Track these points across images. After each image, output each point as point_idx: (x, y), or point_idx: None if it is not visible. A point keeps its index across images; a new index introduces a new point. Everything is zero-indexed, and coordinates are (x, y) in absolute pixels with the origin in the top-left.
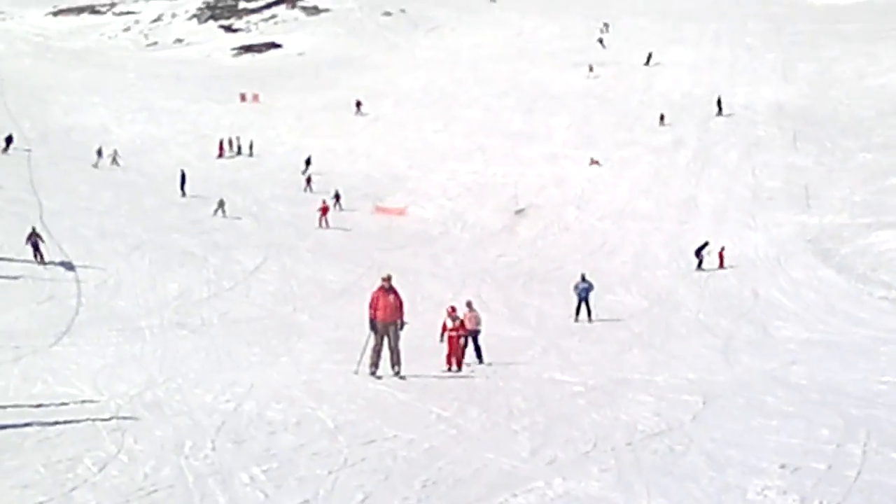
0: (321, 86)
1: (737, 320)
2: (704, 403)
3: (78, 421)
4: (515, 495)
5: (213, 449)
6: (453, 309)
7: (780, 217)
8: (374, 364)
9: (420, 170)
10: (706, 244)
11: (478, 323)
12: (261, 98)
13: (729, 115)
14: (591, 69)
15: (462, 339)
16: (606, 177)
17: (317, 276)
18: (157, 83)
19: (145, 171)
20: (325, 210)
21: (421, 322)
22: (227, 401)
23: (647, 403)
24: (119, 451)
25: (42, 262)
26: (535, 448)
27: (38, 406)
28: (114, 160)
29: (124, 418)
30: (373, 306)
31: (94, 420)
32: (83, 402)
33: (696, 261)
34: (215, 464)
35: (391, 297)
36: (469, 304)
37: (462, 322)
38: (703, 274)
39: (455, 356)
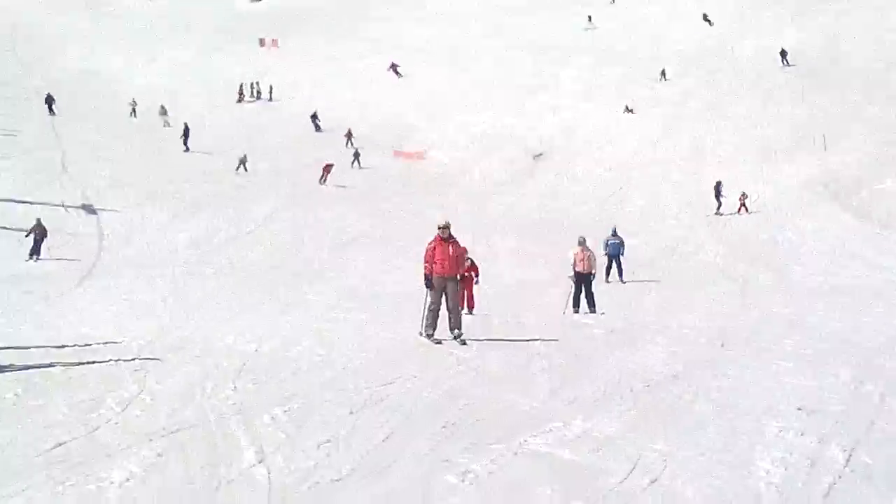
0: (338, 35)
1: (754, 265)
2: (722, 346)
3: (100, 362)
4: (535, 435)
5: (235, 390)
6: (464, 250)
7: (793, 166)
8: (432, 325)
9: (433, 120)
10: (719, 183)
11: (591, 265)
12: (279, 44)
13: (786, 66)
14: (589, 19)
15: (472, 280)
16: (616, 127)
17: (333, 221)
18: (173, 29)
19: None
20: (327, 168)
21: None
22: (248, 343)
23: (666, 346)
24: (141, 392)
25: (37, 256)
26: (553, 389)
27: (62, 347)
28: (164, 116)
29: (146, 359)
30: (428, 259)
31: (116, 361)
32: (105, 343)
33: (715, 203)
34: (237, 404)
35: (450, 248)
36: (582, 243)
37: (472, 262)
38: (721, 219)
39: (467, 297)
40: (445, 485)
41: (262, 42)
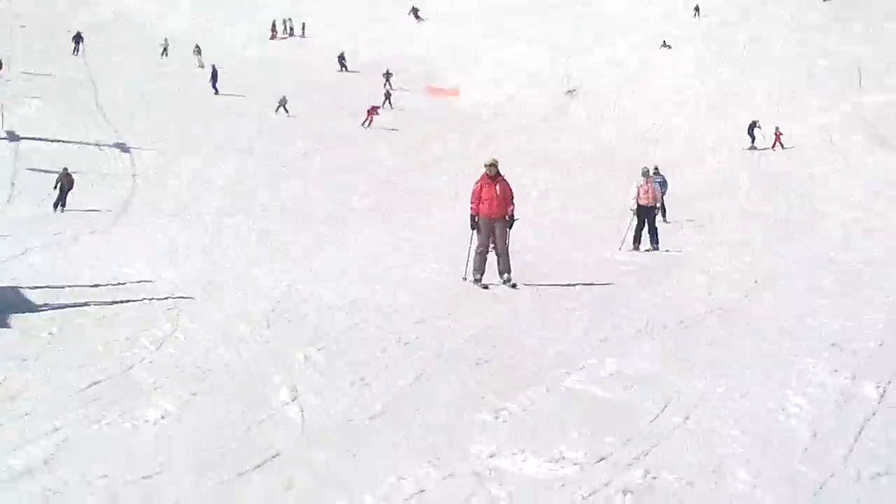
0: None
1: (789, 202)
2: (756, 283)
3: (134, 301)
4: (568, 373)
5: (268, 328)
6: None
7: (833, 100)
8: (480, 270)
9: (469, 54)
10: (755, 122)
11: (656, 198)
12: None
13: None
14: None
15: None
16: (656, 61)
17: (369, 160)
18: None
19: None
20: (372, 111)
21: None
22: (282, 282)
23: (699, 284)
24: (175, 331)
25: (62, 208)
26: (586, 327)
27: (96, 286)
28: (198, 56)
29: (179, 299)
30: (475, 199)
31: (150, 300)
32: (139, 283)
33: (748, 140)
34: (270, 343)
35: (497, 187)
36: (646, 174)
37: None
38: (756, 154)
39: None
40: (479, 422)
41: None
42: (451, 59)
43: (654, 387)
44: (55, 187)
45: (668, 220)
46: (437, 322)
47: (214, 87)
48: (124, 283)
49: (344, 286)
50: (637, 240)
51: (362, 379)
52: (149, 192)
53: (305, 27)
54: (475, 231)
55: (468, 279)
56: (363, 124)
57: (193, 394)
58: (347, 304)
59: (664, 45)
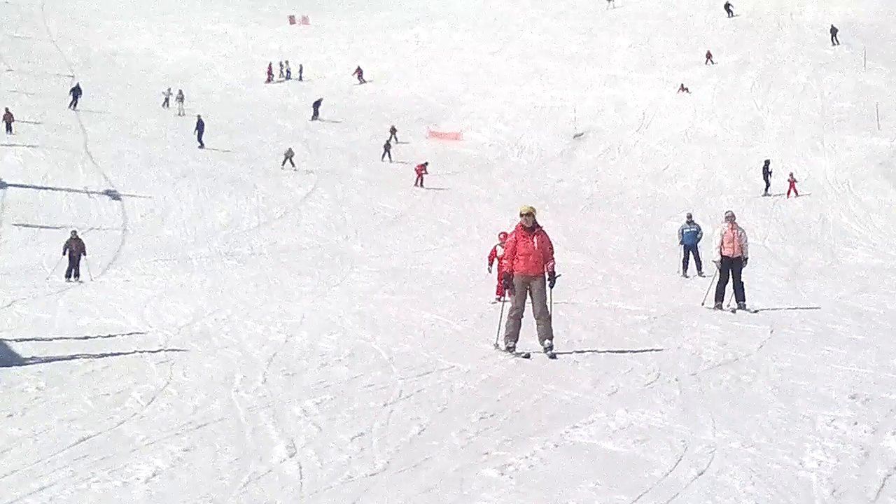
0: (372, 6)
1: (805, 247)
2: (772, 332)
3: (125, 353)
4: (576, 426)
5: (265, 381)
6: (505, 235)
7: (850, 139)
8: (514, 336)
9: (475, 93)
10: (768, 163)
11: (741, 248)
12: (310, 20)
13: (836, 44)
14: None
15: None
16: (668, 99)
17: (370, 204)
18: (202, 5)
19: (191, 96)
20: (420, 169)
21: (476, 250)
22: (279, 332)
23: (712, 332)
24: (167, 384)
25: (76, 278)
26: (596, 378)
27: (85, 338)
28: (180, 102)
29: (172, 350)
30: (509, 254)
31: (141, 352)
32: (130, 334)
33: (763, 184)
34: (267, 396)
35: (535, 240)
36: (730, 218)
37: None
38: (770, 199)
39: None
40: (484, 479)
41: (291, 19)
42: (456, 100)
43: (667, 440)
44: (63, 254)
45: (704, 275)
46: (441, 372)
47: (200, 140)
48: (114, 335)
49: (342, 334)
50: (720, 296)
51: (363, 434)
52: (139, 239)
53: (303, 70)
54: (508, 290)
55: (500, 346)
56: (416, 184)
57: (186, 450)
58: (347, 354)
59: (682, 88)
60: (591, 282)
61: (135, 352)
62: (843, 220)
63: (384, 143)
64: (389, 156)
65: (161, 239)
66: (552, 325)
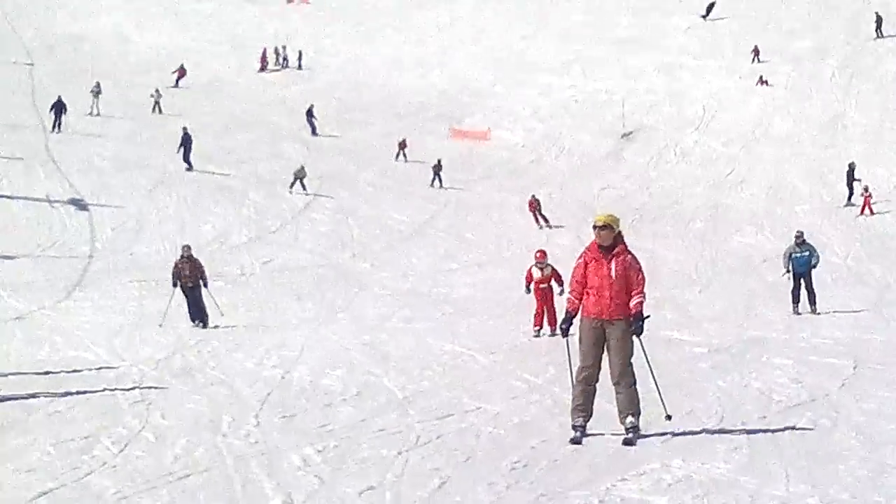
0: None
1: (894, 266)
2: (855, 368)
3: (94, 392)
4: (625, 479)
5: (258, 425)
6: (542, 254)
7: None
8: (584, 410)
9: (506, 84)
10: (853, 167)
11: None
12: None
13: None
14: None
15: (552, 292)
16: (734, 91)
17: (380, 216)
18: None
19: (172, 87)
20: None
21: (508, 271)
22: (274, 367)
23: (785, 368)
24: (143, 428)
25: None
26: (648, 422)
27: (47, 374)
28: (155, 97)
29: (149, 388)
30: (577, 285)
31: (112, 390)
32: (100, 368)
33: (846, 192)
34: (260, 443)
35: (614, 265)
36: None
37: (554, 270)
38: (854, 210)
39: (547, 313)
40: None
41: None
42: (483, 92)
43: (732, 495)
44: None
45: (818, 312)
46: (465, 415)
47: (187, 159)
48: (81, 370)
49: (349, 369)
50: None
51: (373, 487)
52: (110, 257)
53: (302, 56)
54: (568, 338)
55: (571, 426)
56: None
57: None
58: (354, 394)
59: (761, 81)
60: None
61: (105, 390)
62: None
63: (398, 141)
64: (404, 156)
65: (135, 257)
66: (639, 393)
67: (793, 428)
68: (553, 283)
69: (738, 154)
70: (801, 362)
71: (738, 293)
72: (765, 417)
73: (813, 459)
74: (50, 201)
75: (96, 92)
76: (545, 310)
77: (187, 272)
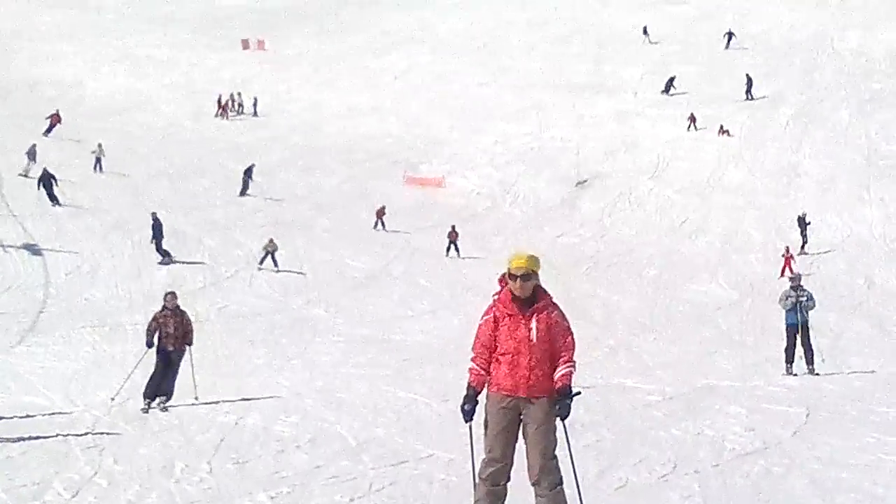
0: (341, 29)
1: (848, 314)
2: (808, 416)
3: (46, 437)
4: None
5: (210, 471)
6: (504, 282)
7: None
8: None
9: (462, 131)
10: (804, 216)
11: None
12: (267, 45)
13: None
14: (645, 32)
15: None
16: (688, 140)
17: (335, 262)
18: (142, 26)
19: (128, 133)
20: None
21: (462, 317)
22: (227, 413)
23: (738, 416)
24: (95, 474)
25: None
26: (601, 470)
27: None
28: (97, 162)
29: (102, 434)
30: (481, 353)
31: (65, 436)
32: (52, 413)
33: (800, 240)
34: (212, 489)
35: (531, 326)
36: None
37: None
38: (808, 258)
39: None
40: None
41: (245, 44)
42: (439, 139)
43: None
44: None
45: (816, 372)
46: (418, 462)
47: (160, 249)
48: (34, 415)
49: (303, 416)
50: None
51: None
52: (64, 302)
53: (257, 103)
54: (470, 420)
55: None
56: (375, 227)
57: None
58: (307, 440)
59: (722, 131)
60: (595, 355)
61: (57, 435)
62: (892, 282)
63: (377, 210)
64: (383, 224)
65: (90, 302)
66: (566, 497)
67: (746, 476)
68: None
69: (692, 202)
70: (755, 410)
71: (693, 341)
72: (717, 465)
73: None
74: (3, 246)
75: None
76: None
77: (171, 329)
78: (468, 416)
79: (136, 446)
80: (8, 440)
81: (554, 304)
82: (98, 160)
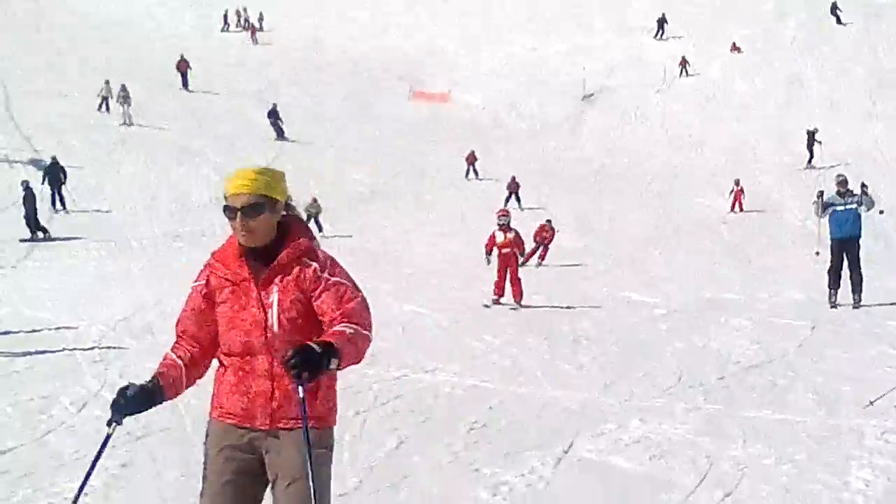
0: None
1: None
2: (813, 329)
3: (52, 352)
4: (582, 439)
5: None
6: (504, 212)
7: None
8: None
9: (466, 46)
10: (815, 131)
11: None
12: None
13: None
14: None
15: (516, 259)
16: (694, 54)
17: (341, 176)
18: None
19: (131, 47)
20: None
21: (467, 238)
22: None
23: (743, 329)
24: (102, 388)
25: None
26: (606, 383)
27: (5, 333)
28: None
29: (108, 349)
30: (185, 346)
31: (72, 350)
32: (58, 329)
33: (806, 154)
34: None
35: (268, 297)
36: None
37: (517, 234)
38: (813, 172)
39: (511, 284)
40: (473, 501)
41: None
42: (441, 55)
43: (689, 456)
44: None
45: (858, 305)
46: (423, 375)
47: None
48: (39, 330)
49: None
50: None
51: None
52: (70, 217)
53: (263, 18)
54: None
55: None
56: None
57: (124, 465)
58: None
59: (734, 48)
60: (601, 268)
61: (64, 350)
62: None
63: (466, 156)
64: (475, 171)
65: (95, 217)
66: None
67: (750, 389)
68: (516, 249)
69: (697, 116)
70: (759, 323)
71: (698, 254)
72: (722, 378)
73: (770, 420)
74: (10, 161)
75: (124, 97)
76: (508, 277)
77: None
78: (117, 413)
79: (142, 361)
80: (14, 355)
81: (315, 251)
82: (105, 100)
